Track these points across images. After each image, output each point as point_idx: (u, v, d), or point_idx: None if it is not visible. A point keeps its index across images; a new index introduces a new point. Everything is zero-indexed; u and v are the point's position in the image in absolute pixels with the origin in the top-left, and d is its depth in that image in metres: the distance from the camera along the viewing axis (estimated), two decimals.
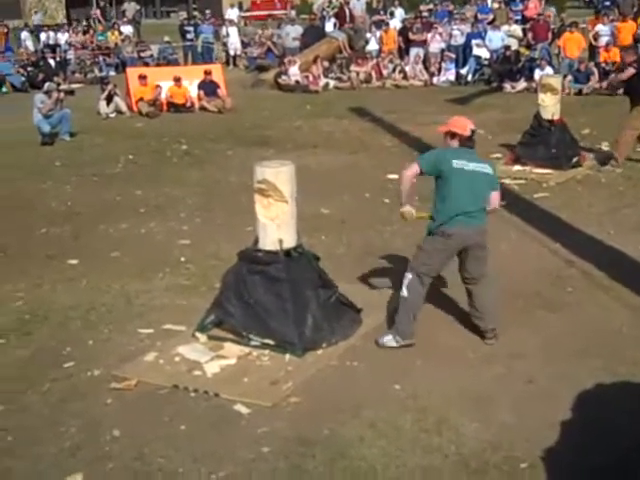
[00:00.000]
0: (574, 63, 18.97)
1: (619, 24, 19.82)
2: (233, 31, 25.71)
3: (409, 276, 5.57)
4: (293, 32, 22.93)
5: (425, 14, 23.87)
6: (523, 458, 4.29)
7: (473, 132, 5.63)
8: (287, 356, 5.46)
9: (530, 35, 20.74)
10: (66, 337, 5.96)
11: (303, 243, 5.84)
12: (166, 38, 25.05)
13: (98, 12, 33.31)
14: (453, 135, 5.61)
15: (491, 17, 22.81)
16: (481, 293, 5.70)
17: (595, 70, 17.99)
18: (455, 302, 6.20)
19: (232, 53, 25.60)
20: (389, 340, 5.61)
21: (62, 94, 14.65)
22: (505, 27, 21.15)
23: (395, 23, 23.28)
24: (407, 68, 20.60)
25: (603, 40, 19.48)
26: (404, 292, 5.58)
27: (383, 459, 4.32)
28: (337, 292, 5.94)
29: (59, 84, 17.22)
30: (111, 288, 6.93)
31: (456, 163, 5.46)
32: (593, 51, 19.91)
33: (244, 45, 25.68)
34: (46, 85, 14.70)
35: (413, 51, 21.04)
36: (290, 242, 5.66)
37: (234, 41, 25.55)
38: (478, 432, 4.55)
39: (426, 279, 5.58)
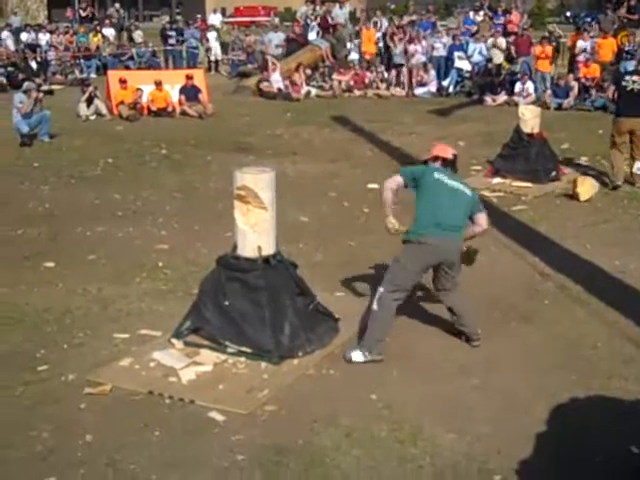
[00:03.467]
0: (546, 76, 19.24)
1: (599, 40, 20.03)
2: (212, 36, 25.75)
3: (381, 290, 5.56)
4: (276, 39, 22.96)
5: (404, 23, 24.00)
6: (497, 470, 4.29)
7: (455, 157, 5.79)
8: (263, 364, 5.44)
9: (513, 49, 20.91)
10: (41, 340, 5.90)
11: (281, 251, 5.83)
12: (150, 45, 25.16)
13: (70, 13, 33.19)
14: (436, 158, 5.78)
15: (475, 28, 22.96)
16: (456, 299, 5.79)
17: (575, 85, 18.15)
18: (433, 313, 6.22)
19: (212, 58, 25.61)
20: (357, 355, 5.55)
21: (41, 94, 14.55)
22: (491, 40, 21.29)
23: (377, 34, 23.37)
24: (388, 75, 20.68)
25: (583, 56, 19.67)
26: (375, 306, 5.57)
27: (358, 469, 4.31)
28: (315, 300, 5.93)
29: (40, 85, 17.11)
30: (87, 292, 6.88)
31: (437, 175, 5.60)
32: (573, 66, 20.11)
33: (227, 50, 25.71)
34: (25, 84, 14.59)
35: (395, 60, 21.16)
36: (269, 249, 5.65)
37: (213, 46, 25.58)
38: (453, 443, 4.55)
39: (398, 294, 5.56)
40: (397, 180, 5.66)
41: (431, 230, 5.45)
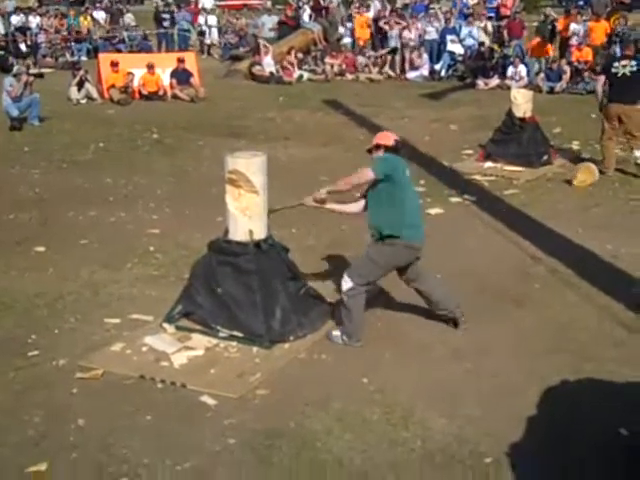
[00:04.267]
0: (541, 61, 19.23)
1: (592, 24, 19.98)
2: (212, 20, 25.63)
3: (350, 284, 5.46)
4: (269, 23, 22.83)
5: (398, 6, 23.92)
6: (488, 453, 4.31)
7: (397, 142, 5.63)
8: (255, 348, 5.44)
9: (505, 32, 20.85)
10: (32, 325, 5.89)
11: (273, 235, 5.82)
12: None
13: None
14: (378, 147, 5.64)
15: (470, 11, 22.90)
16: (427, 286, 5.73)
17: (567, 69, 18.13)
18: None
19: (208, 42, 25.49)
20: (337, 337, 5.60)
21: (31, 77, 14.47)
22: (477, 22, 21.26)
23: (368, 13, 23.30)
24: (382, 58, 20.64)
25: (575, 39, 19.63)
26: (345, 299, 5.53)
27: (349, 452, 4.33)
28: (307, 285, 5.93)
29: (28, 67, 17.01)
30: (78, 276, 6.87)
31: (407, 172, 5.51)
32: (565, 50, 20.06)
33: (220, 33, 25.62)
34: (15, 68, 14.53)
35: (390, 43, 21.10)
36: (260, 234, 5.64)
37: (211, 30, 25.48)
38: (444, 427, 4.57)
39: (367, 287, 5.55)
40: (369, 178, 5.47)
41: (415, 231, 5.44)
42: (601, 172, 10.25)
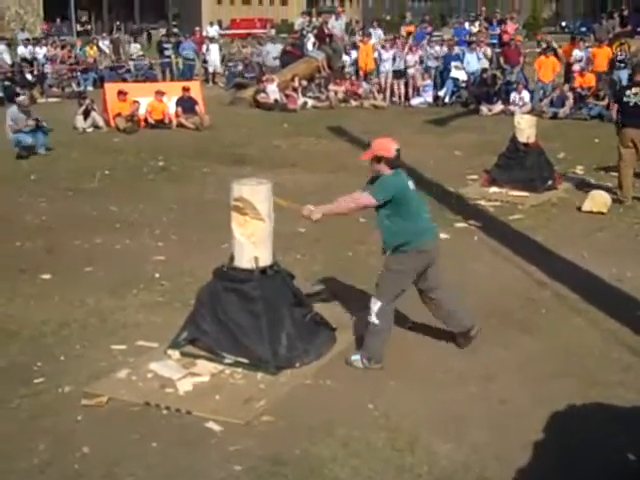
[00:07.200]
0: (547, 87, 19.24)
1: (595, 49, 20.09)
2: (214, 48, 25.84)
3: (379, 304, 5.50)
4: (274, 51, 22.97)
5: (403, 34, 24.08)
6: (495, 479, 4.29)
7: (398, 151, 5.49)
8: (260, 374, 5.43)
9: (502, 59, 20.93)
10: (37, 352, 5.89)
11: (278, 261, 5.83)
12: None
13: (46, 27, 33.44)
14: (379, 159, 5.47)
15: (471, 38, 23.02)
16: (444, 298, 5.75)
17: (570, 95, 18.21)
18: (429, 323, 6.20)
19: (211, 70, 25.69)
20: (357, 361, 5.60)
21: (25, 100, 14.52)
22: (478, 49, 21.38)
23: (372, 40, 23.41)
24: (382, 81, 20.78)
25: (578, 65, 19.71)
26: (374, 319, 5.52)
27: (355, 479, 4.30)
28: (312, 311, 5.93)
29: (33, 97, 17.10)
30: (84, 304, 6.88)
31: (410, 184, 5.54)
32: (568, 76, 20.15)
33: (223, 62, 25.82)
34: (20, 98, 14.65)
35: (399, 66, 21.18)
36: (266, 260, 5.65)
37: (215, 58, 25.68)
38: (450, 452, 4.55)
39: (395, 301, 5.58)
40: (370, 202, 5.43)
41: (425, 236, 5.49)
42: (619, 201, 10.15)
